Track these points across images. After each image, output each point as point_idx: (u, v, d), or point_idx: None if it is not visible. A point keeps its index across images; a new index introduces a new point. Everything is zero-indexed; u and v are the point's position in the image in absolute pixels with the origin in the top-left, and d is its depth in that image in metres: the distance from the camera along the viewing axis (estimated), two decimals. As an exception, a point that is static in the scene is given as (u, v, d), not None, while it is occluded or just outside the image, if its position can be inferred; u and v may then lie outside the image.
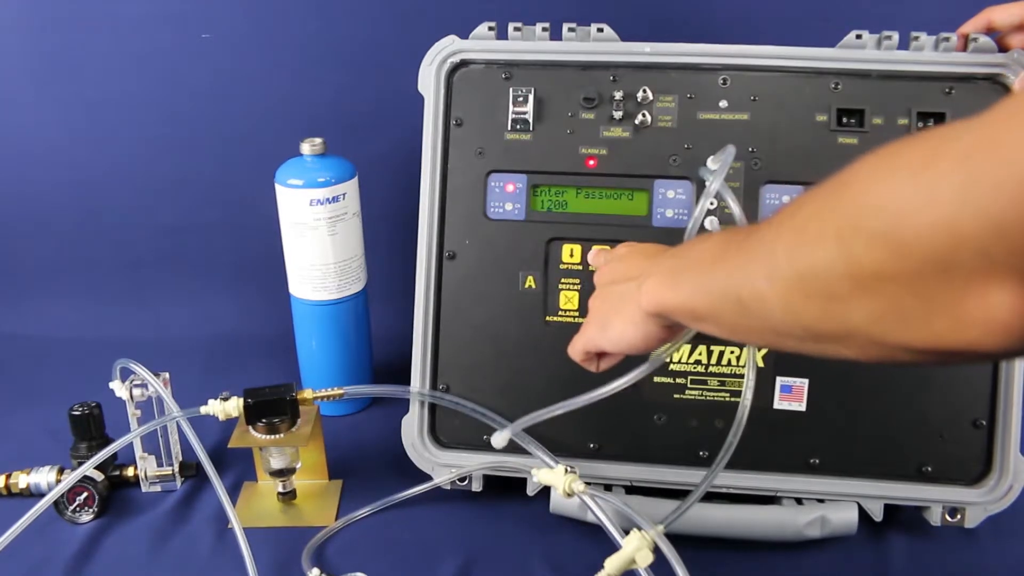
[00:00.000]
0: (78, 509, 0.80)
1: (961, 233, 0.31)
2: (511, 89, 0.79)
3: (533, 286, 0.80)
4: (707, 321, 0.49)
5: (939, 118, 0.75)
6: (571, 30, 0.79)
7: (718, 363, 0.78)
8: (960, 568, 0.75)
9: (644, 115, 0.77)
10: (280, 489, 0.83)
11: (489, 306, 0.80)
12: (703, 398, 0.78)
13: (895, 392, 0.76)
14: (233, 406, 0.77)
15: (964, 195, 0.30)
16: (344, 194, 0.89)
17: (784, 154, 0.76)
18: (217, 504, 0.77)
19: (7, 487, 0.82)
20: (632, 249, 0.64)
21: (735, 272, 0.45)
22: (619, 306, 0.58)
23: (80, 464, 0.77)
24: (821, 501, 0.76)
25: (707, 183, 0.73)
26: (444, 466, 0.81)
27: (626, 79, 0.78)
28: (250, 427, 0.79)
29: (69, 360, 1.09)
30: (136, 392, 0.81)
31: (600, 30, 0.78)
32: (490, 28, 0.80)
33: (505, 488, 0.81)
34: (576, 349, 0.65)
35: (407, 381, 0.81)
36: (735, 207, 0.72)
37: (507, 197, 0.80)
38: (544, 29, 0.79)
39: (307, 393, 0.80)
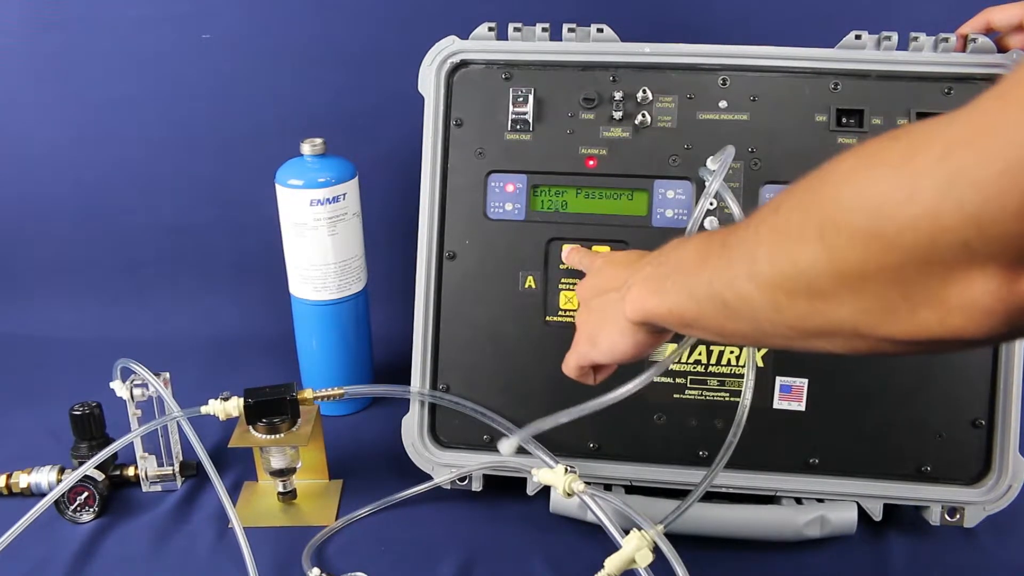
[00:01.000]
0: (79, 509, 0.80)
1: (942, 226, 0.31)
2: (511, 89, 0.79)
3: (533, 286, 0.80)
4: (694, 325, 0.49)
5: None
6: (571, 30, 0.79)
7: (718, 363, 0.78)
8: (959, 568, 0.75)
9: (644, 115, 0.78)
10: (280, 489, 0.83)
11: (489, 306, 0.80)
12: (703, 398, 0.78)
13: (895, 392, 0.76)
14: (233, 406, 0.77)
15: (944, 189, 0.31)
16: (344, 194, 0.89)
17: (783, 154, 0.76)
18: (217, 504, 0.77)
19: (8, 487, 0.83)
20: (609, 260, 0.64)
21: (718, 274, 0.45)
22: (605, 318, 0.58)
23: (81, 464, 0.77)
24: (821, 501, 0.77)
25: (707, 183, 0.73)
26: (444, 466, 0.81)
27: (626, 79, 0.78)
28: (250, 427, 0.79)
29: (69, 360, 1.09)
30: (136, 392, 0.81)
31: (600, 30, 0.79)
32: (490, 28, 0.80)
33: (505, 488, 0.81)
34: (570, 366, 0.65)
35: (407, 381, 0.81)
36: (735, 207, 0.72)
37: (507, 197, 0.80)
38: (544, 29, 0.79)
39: (307, 393, 0.80)
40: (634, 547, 0.64)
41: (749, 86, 0.77)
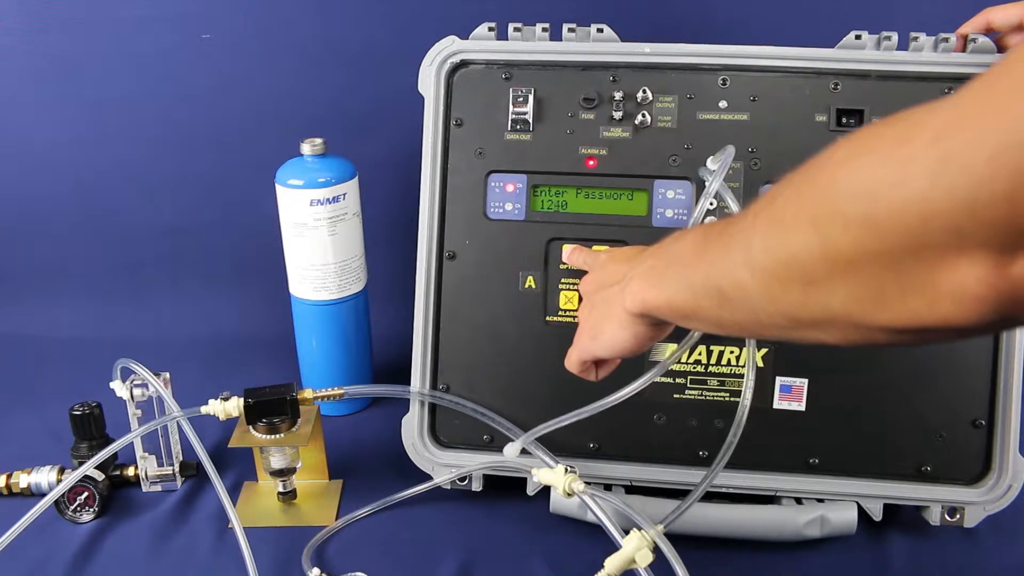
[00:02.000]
0: (79, 509, 0.80)
1: (933, 210, 0.31)
2: (511, 89, 0.79)
3: (533, 286, 0.80)
4: (691, 316, 0.49)
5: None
6: (571, 30, 0.79)
7: (718, 363, 0.78)
8: (959, 568, 0.75)
9: (644, 115, 0.78)
10: (280, 489, 0.83)
11: (489, 306, 0.80)
12: (703, 398, 0.78)
13: (895, 392, 0.76)
14: (233, 406, 0.77)
15: (935, 174, 0.31)
16: (344, 194, 0.89)
17: (784, 154, 0.76)
18: (217, 504, 0.77)
19: (8, 487, 0.83)
20: (612, 255, 0.64)
21: (715, 265, 0.45)
22: (606, 312, 0.59)
23: (81, 464, 0.77)
24: (821, 501, 0.77)
25: (707, 183, 0.73)
26: (444, 466, 0.81)
27: (626, 79, 0.78)
28: (250, 427, 0.79)
29: (69, 360, 1.09)
30: (136, 392, 0.81)
31: (600, 30, 0.79)
32: (490, 28, 0.80)
33: (505, 488, 0.81)
34: (572, 361, 0.65)
35: (407, 381, 0.81)
36: (735, 207, 0.73)
37: (507, 197, 0.80)
38: (544, 29, 0.79)
39: (307, 393, 0.80)
40: (634, 547, 0.64)
41: (749, 86, 0.77)
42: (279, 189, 0.89)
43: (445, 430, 0.82)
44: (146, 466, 0.84)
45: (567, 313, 0.79)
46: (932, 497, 0.76)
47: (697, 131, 0.77)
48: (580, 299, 0.78)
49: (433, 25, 0.82)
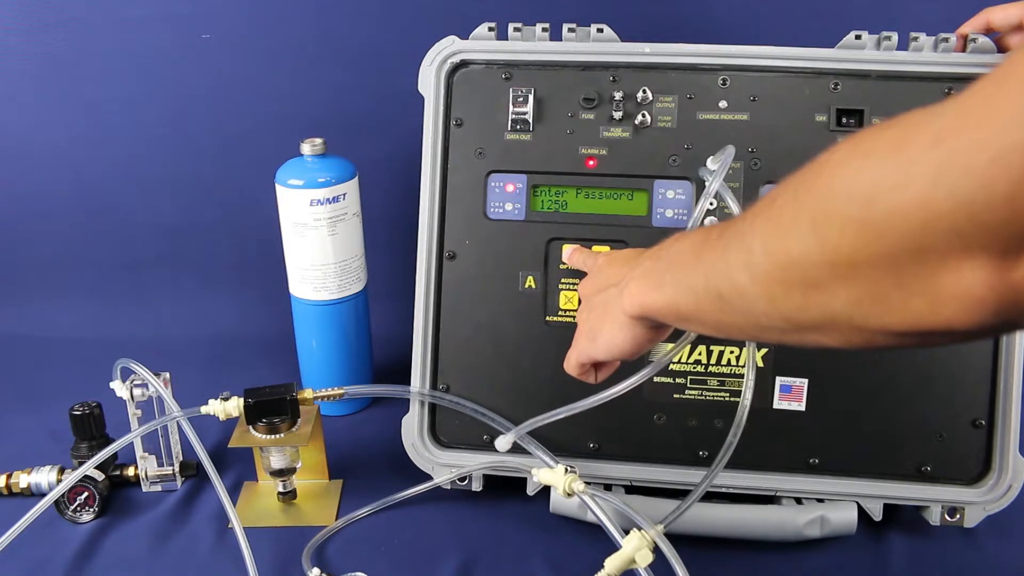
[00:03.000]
0: (79, 509, 0.80)
1: (934, 213, 0.31)
2: (511, 89, 0.79)
3: (533, 286, 0.80)
4: (690, 319, 0.49)
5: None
6: (571, 30, 0.79)
7: (718, 363, 0.78)
8: (959, 568, 0.75)
9: (644, 115, 0.78)
10: (280, 489, 0.83)
11: (489, 306, 0.80)
12: (703, 398, 0.78)
13: (895, 392, 0.76)
14: (233, 406, 0.77)
15: (936, 176, 0.31)
16: (344, 194, 0.89)
17: (784, 154, 0.76)
18: (217, 504, 0.77)
19: (8, 487, 0.83)
20: (611, 257, 0.64)
21: (714, 267, 0.45)
22: (605, 314, 0.59)
23: (81, 464, 0.77)
24: (821, 501, 0.77)
25: (707, 183, 0.73)
26: (444, 466, 0.81)
27: (626, 79, 0.78)
28: (250, 427, 0.79)
29: (69, 360, 1.09)
30: (136, 392, 0.81)
31: (600, 30, 0.79)
32: (490, 28, 0.80)
33: (505, 488, 0.81)
34: (571, 363, 0.65)
35: (407, 381, 0.81)
36: (735, 207, 0.73)
37: (507, 197, 0.80)
38: (544, 29, 0.79)
39: (307, 393, 0.80)
40: (634, 547, 0.64)
41: (749, 86, 0.77)
42: (279, 189, 0.89)
43: (445, 430, 0.82)
44: (146, 466, 0.84)
45: (567, 313, 0.79)
46: (932, 497, 0.76)
47: (697, 131, 0.77)
48: (580, 300, 0.78)
49: (433, 25, 0.82)
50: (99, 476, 0.81)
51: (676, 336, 0.63)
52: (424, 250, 0.80)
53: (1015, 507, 0.76)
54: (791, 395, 0.77)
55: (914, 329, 0.35)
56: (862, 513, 0.76)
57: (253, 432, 0.79)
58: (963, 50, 0.75)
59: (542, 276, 0.80)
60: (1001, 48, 0.75)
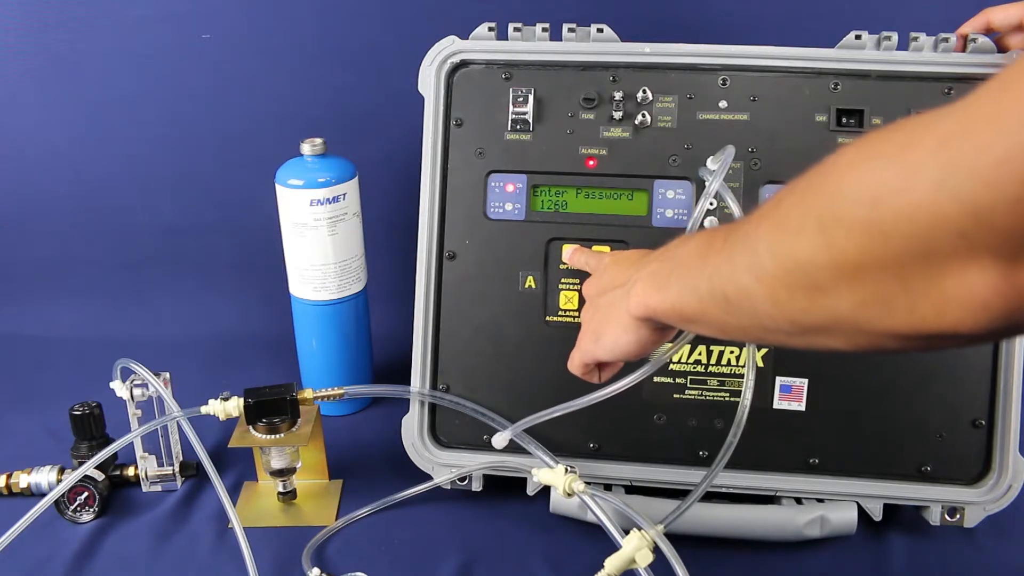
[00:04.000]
0: (79, 509, 0.80)
1: (939, 216, 0.31)
2: (511, 89, 0.79)
3: (533, 286, 0.80)
4: (696, 321, 0.49)
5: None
6: (571, 30, 0.79)
7: (718, 363, 0.78)
8: (959, 568, 0.75)
9: (644, 115, 0.78)
10: (280, 489, 0.83)
11: (489, 306, 0.80)
12: (703, 398, 0.78)
13: (895, 392, 0.76)
14: (233, 406, 0.77)
15: (942, 179, 0.31)
16: (344, 194, 0.89)
17: (784, 154, 0.76)
18: (217, 504, 0.77)
19: (8, 487, 0.83)
20: (616, 258, 0.64)
21: (720, 269, 0.45)
22: (609, 315, 0.59)
23: (81, 464, 0.77)
24: (821, 501, 0.77)
25: (707, 183, 0.73)
26: (444, 466, 0.81)
27: (626, 79, 0.78)
28: (250, 427, 0.79)
29: (69, 360, 1.09)
30: (136, 392, 0.81)
31: (600, 30, 0.79)
32: (490, 28, 0.80)
33: (505, 488, 0.81)
34: (575, 364, 0.65)
35: (407, 381, 0.81)
36: (735, 207, 0.73)
37: (507, 197, 0.80)
38: (544, 29, 0.79)
39: (307, 393, 0.80)
40: (634, 547, 0.64)
41: (749, 86, 0.77)
42: (279, 189, 0.89)
43: (445, 430, 0.82)
44: (146, 466, 0.84)
45: (567, 313, 0.79)
46: (932, 497, 0.76)
47: (697, 131, 0.77)
48: (581, 300, 0.78)
49: (433, 25, 0.82)
50: (99, 476, 0.81)
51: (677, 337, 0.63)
52: (424, 250, 0.80)
53: (1015, 507, 0.76)
54: (791, 395, 0.77)
55: (919, 332, 0.35)
56: (862, 513, 0.76)
57: (253, 432, 0.79)
58: (963, 50, 0.75)
59: (542, 276, 0.80)
60: (1001, 48, 0.75)
